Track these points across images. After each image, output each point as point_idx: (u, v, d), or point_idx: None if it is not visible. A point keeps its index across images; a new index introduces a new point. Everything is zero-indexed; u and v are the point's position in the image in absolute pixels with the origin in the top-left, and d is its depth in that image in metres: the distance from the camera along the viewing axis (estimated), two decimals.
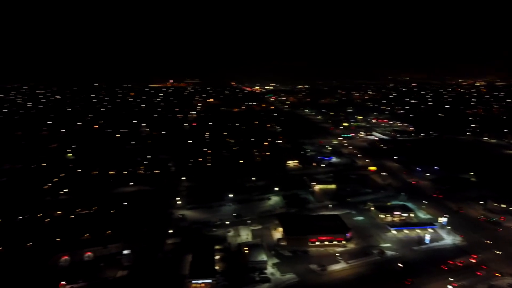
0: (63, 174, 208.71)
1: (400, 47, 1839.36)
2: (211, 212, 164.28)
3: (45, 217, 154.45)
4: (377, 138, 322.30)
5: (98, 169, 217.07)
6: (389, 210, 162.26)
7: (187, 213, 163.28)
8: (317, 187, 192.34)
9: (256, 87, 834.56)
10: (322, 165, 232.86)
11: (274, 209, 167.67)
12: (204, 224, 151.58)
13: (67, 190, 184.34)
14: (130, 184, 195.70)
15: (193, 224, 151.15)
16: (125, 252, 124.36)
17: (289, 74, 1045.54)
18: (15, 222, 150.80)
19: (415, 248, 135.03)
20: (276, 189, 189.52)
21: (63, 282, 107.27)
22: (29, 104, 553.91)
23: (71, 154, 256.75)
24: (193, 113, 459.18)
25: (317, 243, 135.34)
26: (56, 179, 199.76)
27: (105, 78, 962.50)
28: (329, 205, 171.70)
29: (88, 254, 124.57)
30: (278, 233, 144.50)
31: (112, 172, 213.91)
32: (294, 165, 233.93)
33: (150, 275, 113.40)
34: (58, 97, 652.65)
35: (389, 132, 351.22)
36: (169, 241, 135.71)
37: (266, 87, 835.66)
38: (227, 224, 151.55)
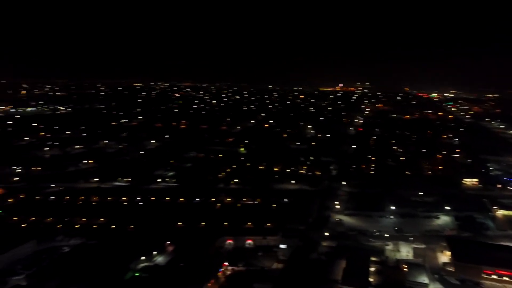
0: (235, 166, 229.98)
1: None
2: (370, 222, 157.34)
3: (217, 202, 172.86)
4: None
5: (265, 164, 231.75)
6: None
7: (345, 218, 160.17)
8: (500, 212, 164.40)
9: (434, 94, 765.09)
10: (509, 187, 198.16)
11: (442, 230, 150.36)
12: (362, 232, 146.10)
13: (237, 180, 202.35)
14: (291, 182, 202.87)
15: (350, 231, 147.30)
16: (282, 246, 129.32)
17: (474, 80, 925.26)
18: (193, 203, 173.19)
19: None
20: (447, 208, 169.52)
21: (226, 263, 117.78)
22: (214, 102, 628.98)
23: (243, 149, 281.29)
24: (360, 118, 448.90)
25: (494, 276, 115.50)
26: (229, 170, 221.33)
27: (279, 81, 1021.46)
28: None
29: (249, 241, 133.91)
30: (444, 257, 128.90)
31: (276, 169, 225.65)
32: (473, 184, 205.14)
33: (302, 273, 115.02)
34: (237, 97, 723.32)
35: None
36: (324, 243, 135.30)
37: (445, 94, 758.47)
38: (386, 236, 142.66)
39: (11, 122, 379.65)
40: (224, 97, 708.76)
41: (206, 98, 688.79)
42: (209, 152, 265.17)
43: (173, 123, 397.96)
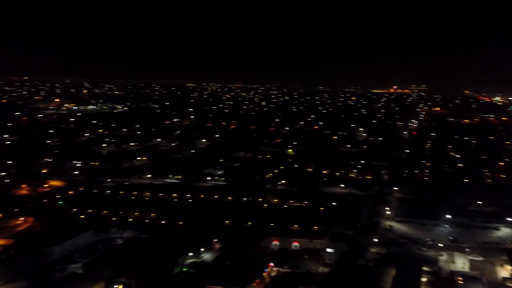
0: (282, 167, 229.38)
1: None
2: (423, 230, 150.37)
3: (264, 203, 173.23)
4: None
5: (313, 166, 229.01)
6: None
7: (396, 225, 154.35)
8: None
9: (497, 97, 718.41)
10: None
11: (503, 242, 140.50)
12: (414, 241, 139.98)
13: (284, 181, 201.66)
14: (340, 185, 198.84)
15: (401, 238, 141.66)
16: (329, 250, 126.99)
17: None
18: (240, 202, 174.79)
19: None
20: (509, 219, 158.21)
21: (272, 264, 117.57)
22: (263, 103, 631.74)
23: (291, 150, 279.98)
24: (415, 122, 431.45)
25: None
26: (277, 171, 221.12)
27: (330, 82, 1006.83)
28: None
29: (295, 244, 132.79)
30: (505, 271, 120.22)
31: (325, 172, 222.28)
32: None
33: (349, 278, 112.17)
34: (287, 98, 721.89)
35: None
36: (373, 250, 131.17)
37: (510, 98, 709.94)
38: (440, 246, 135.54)
39: (73, 119, 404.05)
40: (274, 98, 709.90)
41: (256, 99, 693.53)
42: (257, 153, 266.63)
43: (223, 123, 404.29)
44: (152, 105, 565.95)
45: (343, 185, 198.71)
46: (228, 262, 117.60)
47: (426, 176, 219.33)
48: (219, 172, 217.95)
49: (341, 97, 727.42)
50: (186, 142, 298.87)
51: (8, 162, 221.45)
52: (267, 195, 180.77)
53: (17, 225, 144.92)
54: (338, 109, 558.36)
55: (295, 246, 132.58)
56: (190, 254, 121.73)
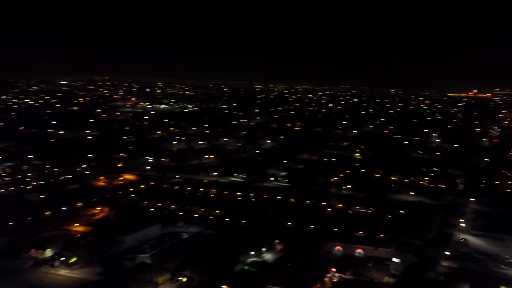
0: (348, 171, 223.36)
1: None
2: (502, 246, 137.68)
3: (327, 207, 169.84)
4: None
5: (381, 172, 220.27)
6: None
7: (471, 239, 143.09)
8: None
9: None
10: None
11: None
12: (491, 257, 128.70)
13: (350, 186, 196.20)
14: (410, 193, 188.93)
15: (477, 253, 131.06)
16: (395, 259, 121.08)
17: None
18: (303, 205, 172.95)
19: None
20: None
21: (333, 269, 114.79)
22: (330, 105, 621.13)
23: (358, 154, 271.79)
24: (497, 129, 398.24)
25: None
26: (342, 175, 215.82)
27: (403, 85, 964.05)
28: None
29: (359, 250, 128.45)
30: None
31: (394, 178, 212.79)
32: None
33: None
34: (355, 100, 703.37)
35: None
36: (444, 263, 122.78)
37: None
38: None
39: (147, 117, 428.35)
40: (342, 100, 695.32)
41: (323, 101, 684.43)
42: (322, 155, 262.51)
43: (288, 125, 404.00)
44: (221, 106, 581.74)
45: (413, 193, 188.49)
46: (289, 264, 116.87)
47: (508, 188, 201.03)
48: (283, 173, 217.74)
49: (414, 100, 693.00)
50: (252, 142, 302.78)
51: (88, 156, 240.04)
52: (331, 199, 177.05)
53: (95, 214, 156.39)
54: (410, 112, 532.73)
55: (359, 253, 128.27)
56: (252, 253, 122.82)
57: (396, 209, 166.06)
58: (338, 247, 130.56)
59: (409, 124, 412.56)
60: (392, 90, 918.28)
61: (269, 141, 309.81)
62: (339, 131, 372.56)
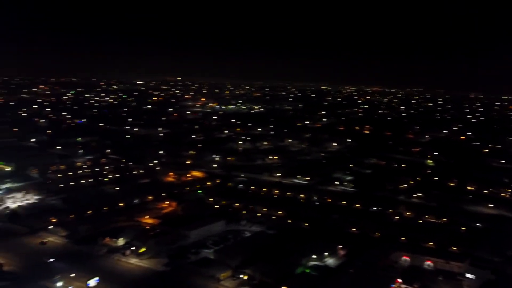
0: (419, 178, 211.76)
1: None
2: None
3: (395, 214, 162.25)
4: None
5: (456, 181, 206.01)
6: None
7: None
8: None
9: None
10: None
11: None
12: None
13: (420, 194, 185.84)
14: (489, 205, 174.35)
15: None
16: (469, 275, 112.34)
17: None
18: (369, 211, 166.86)
19: None
20: None
21: (400, 280, 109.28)
22: (402, 108, 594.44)
23: (431, 161, 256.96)
24: None
25: None
26: (412, 182, 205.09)
27: (483, 88, 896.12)
28: None
29: (428, 263, 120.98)
30: None
31: (470, 188, 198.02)
32: None
33: None
34: (429, 103, 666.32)
35: None
36: None
37: None
38: None
39: (215, 117, 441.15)
40: (414, 103, 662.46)
41: (394, 104, 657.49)
42: (391, 161, 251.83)
43: (356, 128, 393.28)
44: (286, 107, 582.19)
45: (492, 205, 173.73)
46: (352, 271, 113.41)
47: None
48: (349, 178, 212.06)
49: (497, 106, 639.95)
50: (317, 144, 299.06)
51: (160, 152, 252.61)
52: (399, 206, 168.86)
53: (163, 208, 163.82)
54: (491, 118, 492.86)
55: (428, 265, 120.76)
56: (314, 256, 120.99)
57: (472, 222, 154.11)
58: (405, 258, 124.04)
59: (490, 131, 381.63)
60: (472, 94, 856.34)
61: (335, 144, 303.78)
62: (410, 136, 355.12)
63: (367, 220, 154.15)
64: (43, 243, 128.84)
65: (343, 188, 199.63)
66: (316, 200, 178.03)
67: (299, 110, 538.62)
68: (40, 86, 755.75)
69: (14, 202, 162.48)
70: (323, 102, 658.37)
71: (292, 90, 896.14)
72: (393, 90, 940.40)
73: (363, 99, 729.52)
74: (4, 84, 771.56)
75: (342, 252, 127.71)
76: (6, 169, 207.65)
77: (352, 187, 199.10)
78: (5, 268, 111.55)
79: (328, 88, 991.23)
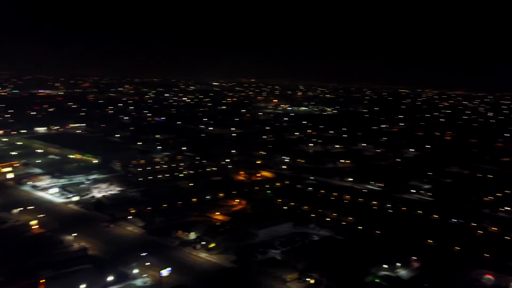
0: (508, 191, 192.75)
1: None
2: None
3: (478, 229, 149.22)
4: None
5: None
6: None
7: None
8: None
9: None
10: None
11: None
12: None
13: (508, 208, 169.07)
14: None
15: None
16: None
17: None
18: (448, 223, 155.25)
19: None
20: None
21: None
22: (490, 114, 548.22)
23: None
24: None
25: None
26: (499, 194, 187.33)
27: None
28: None
29: None
30: None
31: None
32: None
33: None
34: None
35: None
36: None
37: None
38: None
39: (287, 119, 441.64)
40: (505, 109, 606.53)
41: (481, 109, 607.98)
42: (475, 170, 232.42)
43: (437, 133, 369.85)
44: (361, 110, 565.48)
45: None
46: (426, 285, 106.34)
47: None
48: (426, 186, 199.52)
49: None
50: (393, 149, 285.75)
51: (232, 151, 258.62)
52: (483, 220, 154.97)
53: (233, 205, 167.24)
54: None
55: None
56: (385, 266, 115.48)
57: None
58: (489, 276, 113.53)
59: None
60: None
61: (413, 150, 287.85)
62: (499, 144, 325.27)
63: (445, 232, 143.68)
64: (108, 227, 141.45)
65: (420, 196, 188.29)
66: (390, 208, 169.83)
67: (374, 113, 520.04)
68: (126, 86, 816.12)
69: (99, 192, 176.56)
70: (400, 106, 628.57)
71: (368, 92, 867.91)
72: (480, 94, 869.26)
73: (445, 103, 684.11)
74: (95, 84, 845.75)
75: (416, 264, 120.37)
76: (94, 161, 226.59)
77: (430, 197, 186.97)
78: (90, 252, 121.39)
79: (407, 91, 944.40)
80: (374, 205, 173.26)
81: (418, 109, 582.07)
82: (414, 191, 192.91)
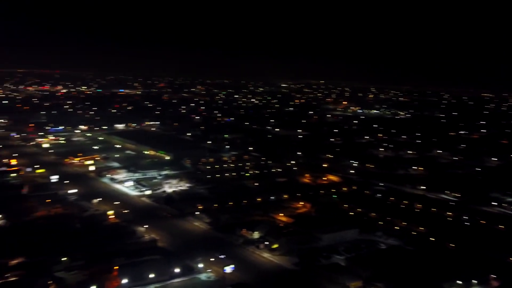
0: None
1: None
2: None
3: None
4: None
5: None
6: None
7: None
8: None
9: None
10: None
11: None
12: None
13: None
14: None
15: None
16: None
17: None
18: None
19: None
20: None
21: None
22: None
23: None
24: None
25: None
26: None
27: None
28: None
29: None
30: None
31: None
32: None
33: None
34: None
35: None
36: None
37: None
38: None
39: (356, 122, 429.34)
40: None
41: None
42: None
43: None
44: (438, 114, 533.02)
45: None
46: None
47: None
48: (510, 199, 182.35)
49: None
50: (472, 157, 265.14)
51: (298, 153, 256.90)
52: None
53: (297, 208, 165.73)
54: None
55: None
56: (459, 282, 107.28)
57: None
58: None
59: None
60: None
61: (496, 159, 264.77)
62: None
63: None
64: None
65: (502, 210, 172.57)
66: (467, 220, 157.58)
67: (452, 118, 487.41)
68: (198, 87, 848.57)
69: (170, 187, 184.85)
70: (483, 111, 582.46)
71: (446, 96, 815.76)
72: None
73: None
74: (169, 84, 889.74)
75: (495, 283, 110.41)
76: (166, 158, 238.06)
77: None
78: (159, 244, 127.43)
79: (491, 95, 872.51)
80: (449, 216, 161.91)
81: (503, 115, 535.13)
82: (496, 203, 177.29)
